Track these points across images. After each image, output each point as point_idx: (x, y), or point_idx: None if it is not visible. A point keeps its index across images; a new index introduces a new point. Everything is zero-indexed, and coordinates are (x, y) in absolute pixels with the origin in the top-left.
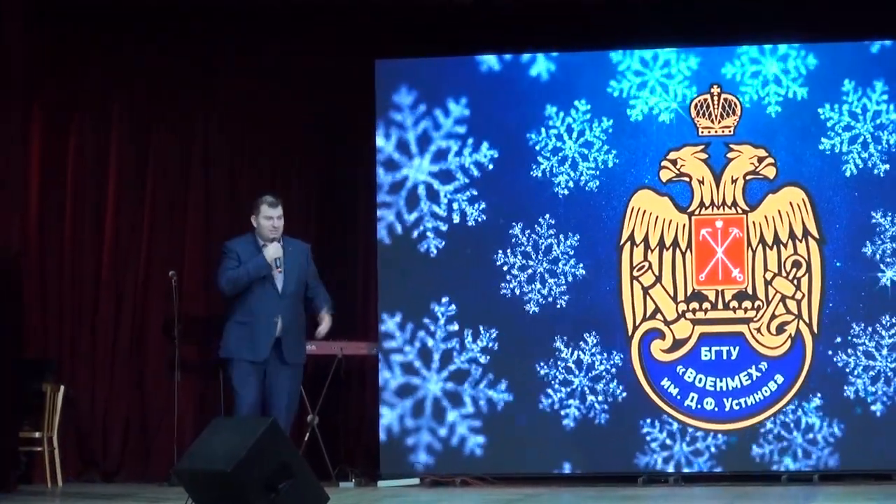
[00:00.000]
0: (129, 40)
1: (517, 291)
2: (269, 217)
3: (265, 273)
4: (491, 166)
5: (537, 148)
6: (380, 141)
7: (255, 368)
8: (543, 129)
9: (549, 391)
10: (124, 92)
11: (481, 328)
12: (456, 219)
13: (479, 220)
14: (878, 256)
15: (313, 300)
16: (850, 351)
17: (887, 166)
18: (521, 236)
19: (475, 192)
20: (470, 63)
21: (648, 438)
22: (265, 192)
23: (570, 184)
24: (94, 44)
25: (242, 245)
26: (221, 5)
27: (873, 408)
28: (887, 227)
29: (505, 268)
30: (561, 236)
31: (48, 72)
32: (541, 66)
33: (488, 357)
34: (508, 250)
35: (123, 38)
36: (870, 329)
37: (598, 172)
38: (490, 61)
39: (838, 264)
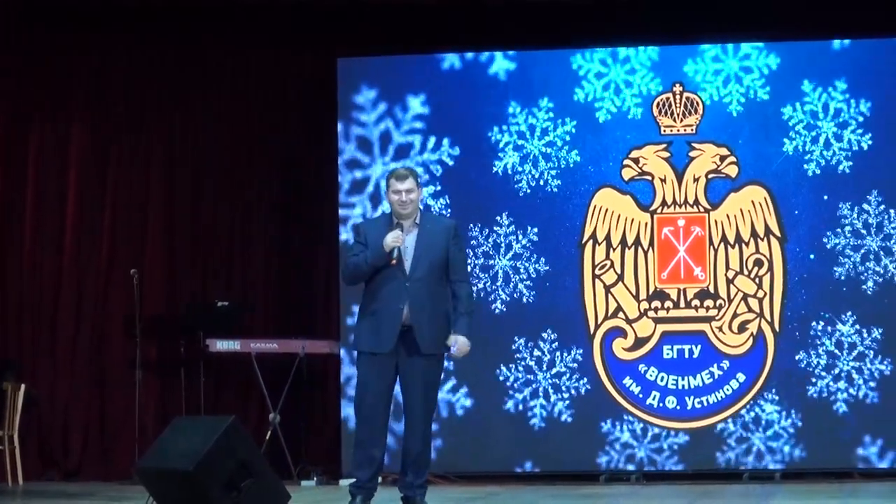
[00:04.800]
0: (87, 41)
1: (482, 293)
2: (398, 191)
3: (382, 263)
4: (451, 163)
5: (500, 145)
6: (341, 142)
7: (381, 360)
8: (505, 126)
9: (512, 392)
10: (84, 92)
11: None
12: None
13: (443, 214)
14: (839, 255)
15: (454, 295)
16: (811, 349)
17: (850, 163)
18: (479, 237)
19: (438, 188)
20: (431, 61)
21: (610, 437)
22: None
23: (532, 182)
24: (52, 45)
25: (373, 226)
26: (185, 6)
27: (835, 406)
28: (848, 225)
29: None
30: (520, 233)
31: (7, 72)
32: (500, 64)
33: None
34: (469, 251)
35: (82, 39)
36: (831, 327)
37: (559, 171)
38: (452, 59)
39: (798, 267)
